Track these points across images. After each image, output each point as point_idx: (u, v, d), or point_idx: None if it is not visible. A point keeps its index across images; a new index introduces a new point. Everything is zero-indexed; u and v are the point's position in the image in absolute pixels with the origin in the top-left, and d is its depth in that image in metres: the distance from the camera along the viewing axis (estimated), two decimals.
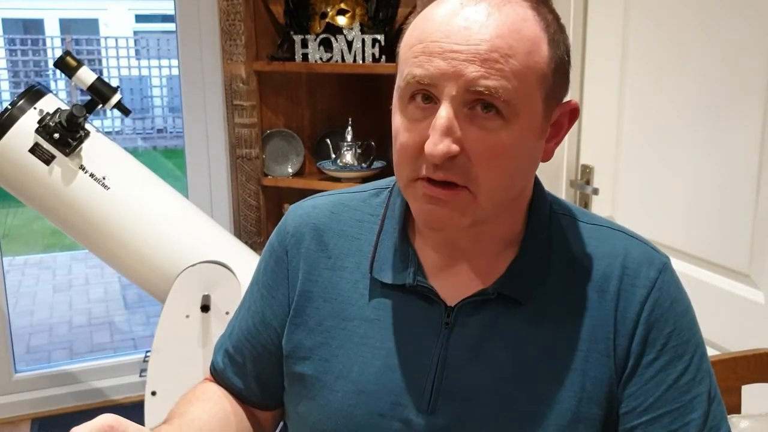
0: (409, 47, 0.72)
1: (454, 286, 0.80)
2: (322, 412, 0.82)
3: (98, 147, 1.85)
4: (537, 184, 0.83)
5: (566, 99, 0.78)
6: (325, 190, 0.96)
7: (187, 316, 1.85)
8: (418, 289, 0.80)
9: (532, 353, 0.78)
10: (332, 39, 2.23)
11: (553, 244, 0.81)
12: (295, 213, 0.90)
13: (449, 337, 0.79)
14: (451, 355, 0.79)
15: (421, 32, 0.72)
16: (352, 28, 2.23)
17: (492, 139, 0.70)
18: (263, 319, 0.89)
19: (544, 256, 0.80)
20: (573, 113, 0.78)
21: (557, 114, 0.76)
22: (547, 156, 0.78)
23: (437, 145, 0.69)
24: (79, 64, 1.90)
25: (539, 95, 0.72)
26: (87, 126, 1.83)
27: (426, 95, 0.71)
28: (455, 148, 0.69)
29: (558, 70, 0.74)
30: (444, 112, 0.69)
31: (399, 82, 0.73)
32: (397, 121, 0.74)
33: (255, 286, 0.92)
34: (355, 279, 0.84)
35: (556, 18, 0.75)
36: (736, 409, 1.12)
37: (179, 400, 0.91)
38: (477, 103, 0.69)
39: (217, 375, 0.94)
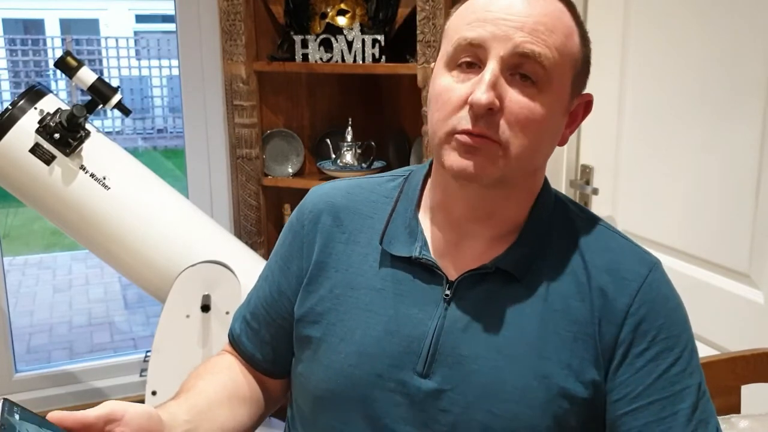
0: (461, 18, 0.81)
1: (456, 262, 0.86)
2: (325, 372, 0.88)
3: (99, 147, 1.85)
4: (545, 180, 0.89)
5: None
6: None
7: (187, 316, 1.85)
8: (422, 262, 0.86)
9: (524, 328, 0.82)
10: (332, 39, 2.23)
11: (553, 232, 0.87)
12: (315, 193, 0.98)
13: (448, 308, 0.85)
14: (448, 324, 0.84)
15: (472, 5, 0.80)
16: (352, 29, 2.23)
17: (527, 103, 0.78)
18: (279, 287, 0.96)
19: (544, 241, 0.86)
20: (588, 105, 0.88)
21: (576, 103, 0.85)
22: (563, 141, 0.86)
23: (484, 93, 0.75)
24: (80, 64, 1.90)
25: (570, 75, 0.81)
26: (87, 126, 1.82)
27: (469, 63, 0.79)
28: (497, 102, 0.76)
29: (584, 63, 0.84)
30: (491, 67, 0.77)
31: (446, 48, 0.81)
32: (440, 83, 0.81)
33: (273, 258, 0.99)
34: (366, 252, 0.90)
35: (583, 26, 0.84)
36: (736, 409, 1.12)
37: (189, 375, 0.96)
38: (517, 71, 0.77)
39: (233, 341, 1.02)
